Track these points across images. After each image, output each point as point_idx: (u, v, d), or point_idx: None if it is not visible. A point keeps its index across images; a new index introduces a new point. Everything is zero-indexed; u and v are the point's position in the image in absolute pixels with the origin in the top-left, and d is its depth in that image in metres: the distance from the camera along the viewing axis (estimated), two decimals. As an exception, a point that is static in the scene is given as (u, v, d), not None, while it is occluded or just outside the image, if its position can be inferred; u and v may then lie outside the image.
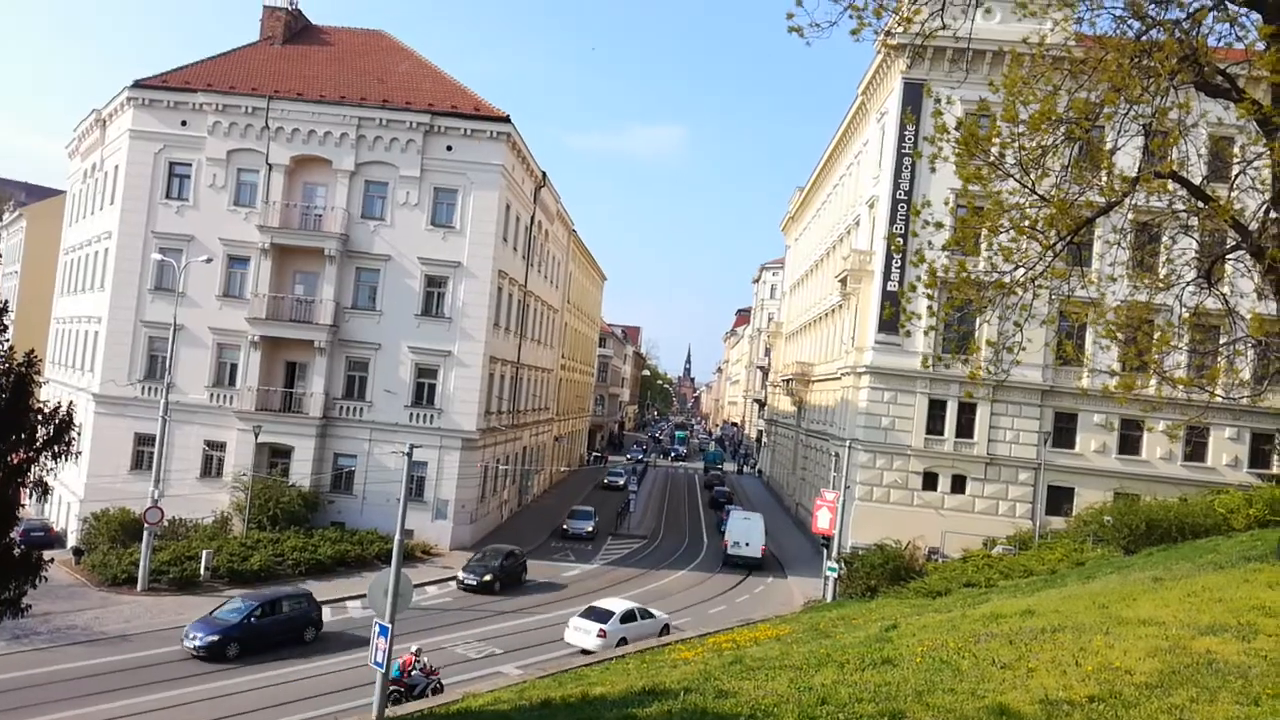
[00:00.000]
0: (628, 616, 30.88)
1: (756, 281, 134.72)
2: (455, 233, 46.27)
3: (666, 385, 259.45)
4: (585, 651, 29.07)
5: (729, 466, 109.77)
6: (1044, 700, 10.57)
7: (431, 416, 45.76)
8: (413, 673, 24.23)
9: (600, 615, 30.52)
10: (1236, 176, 15.28)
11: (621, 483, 75.77)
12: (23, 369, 14.41)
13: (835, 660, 14.58)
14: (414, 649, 25.22)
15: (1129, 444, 44.85)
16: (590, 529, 53.64)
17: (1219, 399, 21.02)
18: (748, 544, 48.93)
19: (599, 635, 29.66)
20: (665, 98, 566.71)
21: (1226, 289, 17.17)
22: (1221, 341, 18.14)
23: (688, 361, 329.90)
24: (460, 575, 38.76)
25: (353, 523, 44.21)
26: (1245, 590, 15.14)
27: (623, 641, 29.52)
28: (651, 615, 32.24)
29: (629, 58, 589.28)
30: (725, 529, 52.25)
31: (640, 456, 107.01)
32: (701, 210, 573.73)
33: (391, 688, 22.44)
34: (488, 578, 38.16)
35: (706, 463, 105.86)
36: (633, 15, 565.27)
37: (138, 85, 46.63)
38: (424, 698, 23.04)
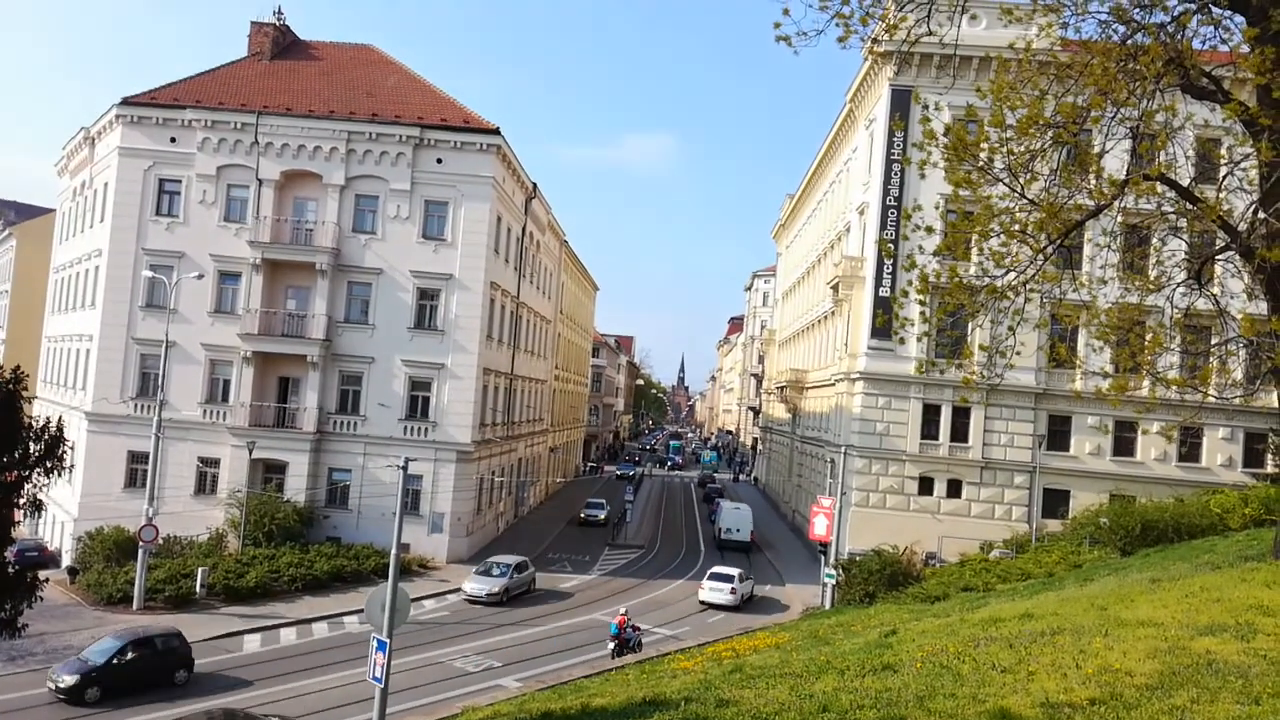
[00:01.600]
0: (740, 578, 41.23)
1: (749, 289, 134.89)
2: (447, 245, 46.26)
3: (661, 394, 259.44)
4: (717, 606, 39.53)
5: (725, 475, 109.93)
6: (1045, 703, 10.55)
7: (426, 429, 45.67)
8: (627, 630, 30.47)
9: (725, 578, 40.75)
10: (1224, 178, 15.35)
11: (603, 517, 61.93)
12: (11, 385, 14.37)
13: (835, 667, 14.53)
14: (623, 610, 31.57)
15: (1123, 445, 44.91)
16: (498, 589, 38.33)
17: (1212, 400, 21.10)
18: (737, 530, 55.54)
19: (731, 592, 39.80)
20: (655, 106, 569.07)
21: (1217, 289, 17.22)
22: (1213, 342, 18.20)
23: (681, 370, 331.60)
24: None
25: (348, 538, 44.06)
26: (1243, 590, 15.16)
27: (743, 596, 40.34)
28: (750, 577, 43.26)
29: (619, 67, 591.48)
30: (717, 518, 58.67)
31: (630, 471, 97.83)
32: (692, 219, 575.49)
33: (612, 643, 30.04)
34: None
35: (703, 466, 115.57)
36: (621, 27, 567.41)
37: (126, 103, 46.61)
38: (636, 650, 29.65)
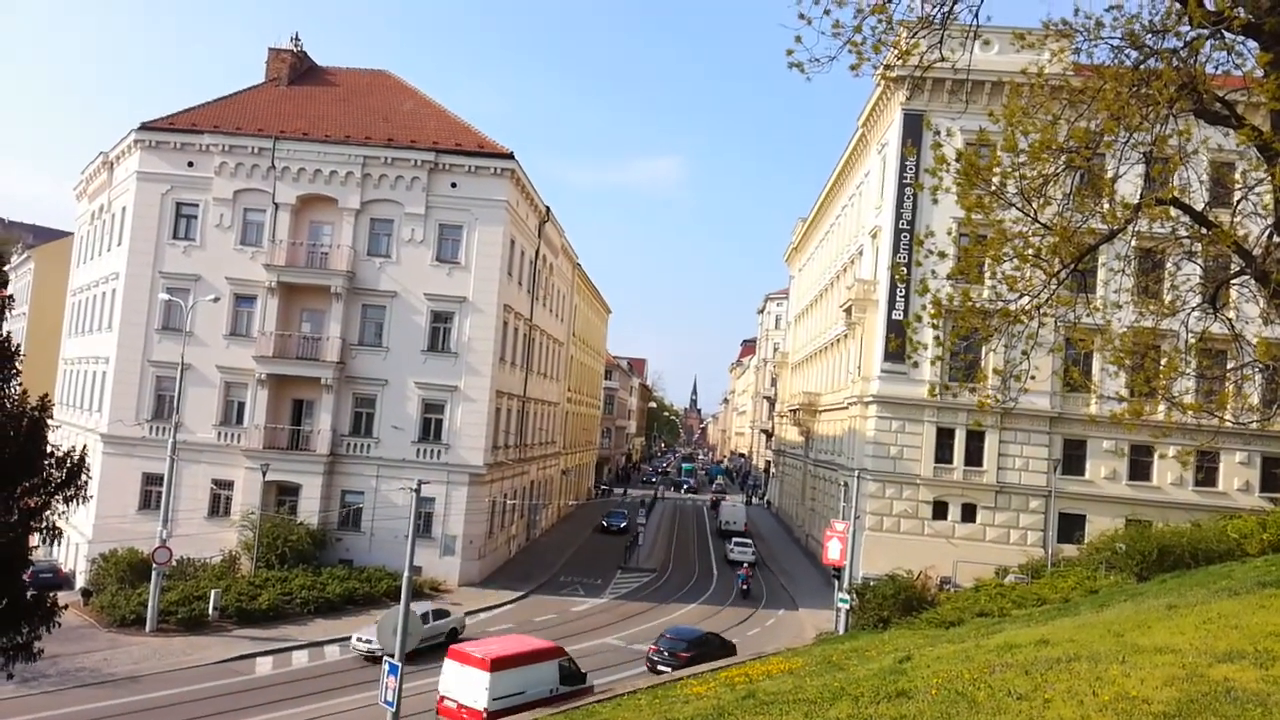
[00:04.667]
0: (754, 544, 62.39)
1: (761, 312, 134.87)
2: (460, 268, 46.52)
3: (673, 417, 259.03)
4: (741, 563, 54.85)
5: (738, 498, 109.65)
6: (1061, 731, 10.46)
7: (439, 452, 45.74)
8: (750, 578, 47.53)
9: (746, 544, 60.91)
10: (1238, 202, 15.34)
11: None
12: (36, 413, 14.48)
13: (849, 693, 14.41)
14: (745, 565, 51.64)
15: (1139, 470, 44.61)
16: None
17: (1229, 424, 20.98)
18: (734, 521, 75.14)
19: (753, 552, 59.19)
20: (663, 129, 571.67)
21: (1232, 314, 17.16)
22: (1229, 367, 18.12)
23: (694, 393, 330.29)
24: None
25: (361, 560, 44.07)
26: (1261, 616, 14.99)
27: (758, 557, 59.67)
28: (755, 548, 62.11)
29: (628, 92, 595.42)
30: (720, 514, 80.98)
31: (620, 524, 71.53)
32: (704, 241, 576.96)
33: (744, 586, 48.49)
34: None
35: (710, 476, 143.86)
36: (625, 48, 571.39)
37: (144, 127, 47.18)
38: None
